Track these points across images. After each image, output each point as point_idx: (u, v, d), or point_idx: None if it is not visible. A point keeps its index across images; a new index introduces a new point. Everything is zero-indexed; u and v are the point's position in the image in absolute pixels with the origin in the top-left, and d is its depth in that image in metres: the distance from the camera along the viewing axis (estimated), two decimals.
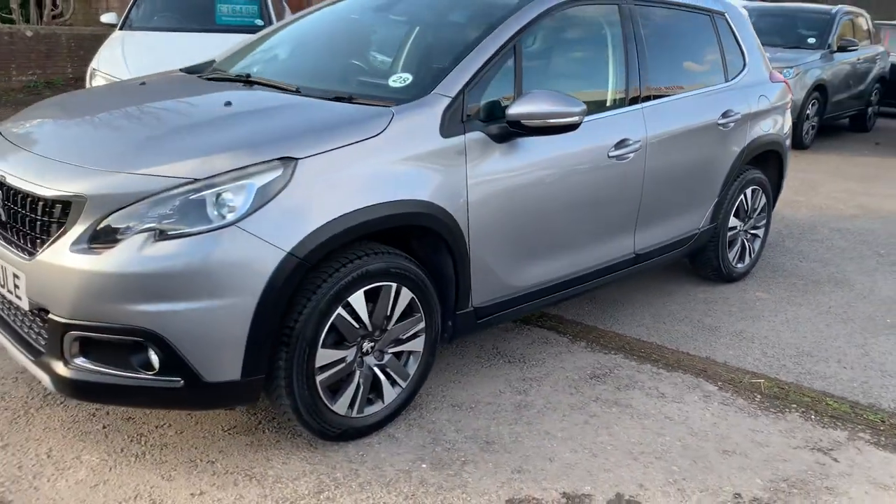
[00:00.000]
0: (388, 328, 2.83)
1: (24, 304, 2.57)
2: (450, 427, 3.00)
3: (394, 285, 2.77)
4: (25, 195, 2.57)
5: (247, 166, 2.47)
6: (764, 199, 4.91)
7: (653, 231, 4.00)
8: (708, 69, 4.39)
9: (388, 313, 2.80)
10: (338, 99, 2.99)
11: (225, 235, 2.39)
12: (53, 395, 3.05)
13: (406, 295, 2.83)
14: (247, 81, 3.33)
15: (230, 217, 2.41)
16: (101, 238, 2.42)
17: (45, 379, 2.56)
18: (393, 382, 2.92)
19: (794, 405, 3.37)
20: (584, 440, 2.97)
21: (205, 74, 3.58)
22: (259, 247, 2.42)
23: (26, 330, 2.69)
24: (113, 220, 2.41)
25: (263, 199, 2.44)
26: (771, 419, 3.23)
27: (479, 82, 3.03)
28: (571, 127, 3.07)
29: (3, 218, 2.68)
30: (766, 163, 4.87)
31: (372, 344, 2.82)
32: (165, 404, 2.66)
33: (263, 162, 2.49)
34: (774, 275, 5.09)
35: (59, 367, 2.51)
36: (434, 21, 3.72)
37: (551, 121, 3.01)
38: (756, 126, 4.60)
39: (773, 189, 5.04)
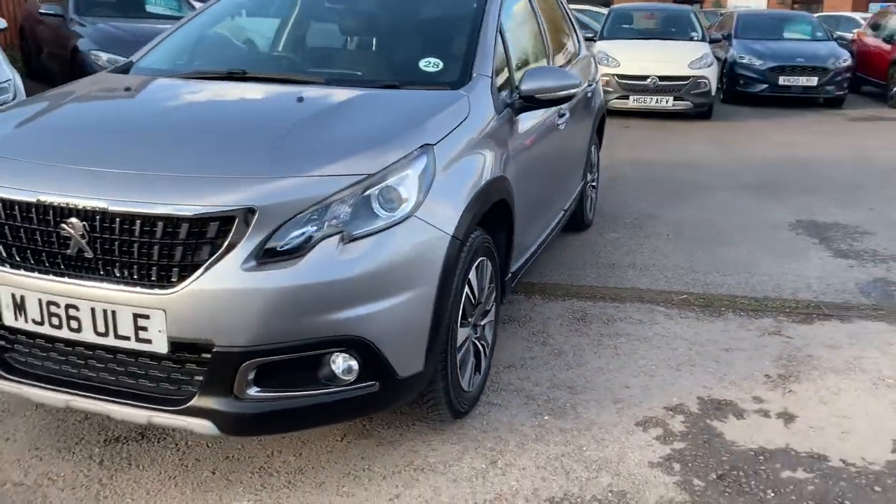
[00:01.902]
0: (482, 300, 2.97)
1: (160, 347, 2.24)
2: (527, 385, 3.23)
3: (487, 259, 2.92)
4: (146, 220, 2.21)
5: (404, 157, 2.43)
6: (596, 155, 5.75)
7: (568, 190, 4.55)
8: (571, 41, 5.04)
9: (484, 286, 2.94)
10: (389, 87, 2.99)
11: (407, 227, 2.36)
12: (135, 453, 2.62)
13: (488, 267, 2.98)
14: (246, 78, 3.11)
15: (405, 208, 2.37)
16: (279, 251, 2.22)
17: (201, 426, 2.27)
18: (485, 353, 3.06)
19: (723, 309, 4.18)
20: (630, 366, 3.42)
21: (180, 74, 3.22)
22: (432, 234, 2.44)
23: (150, 381, 2.31)
24: (289, 230, 2.22)
25: (425, 186, 2.45)
26: (723, 322, 3.99)
27: (495, 61, 3.25)
28: (570, 98, 3.44)
29: (93, 254, 2.25)
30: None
31: (478, 318, 2.94)
32: (355, 413, 2.51)
33: (416, 150, 2.47)
34: (604, 219, 5.97)
35: (229, 405, 2.25)
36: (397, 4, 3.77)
37: (560, 93, 3.35)
38: (596, 96, 5.38)
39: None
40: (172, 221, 2.19)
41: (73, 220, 2.25)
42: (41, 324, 2.34)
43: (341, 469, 2.62)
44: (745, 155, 8.83)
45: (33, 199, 2.29)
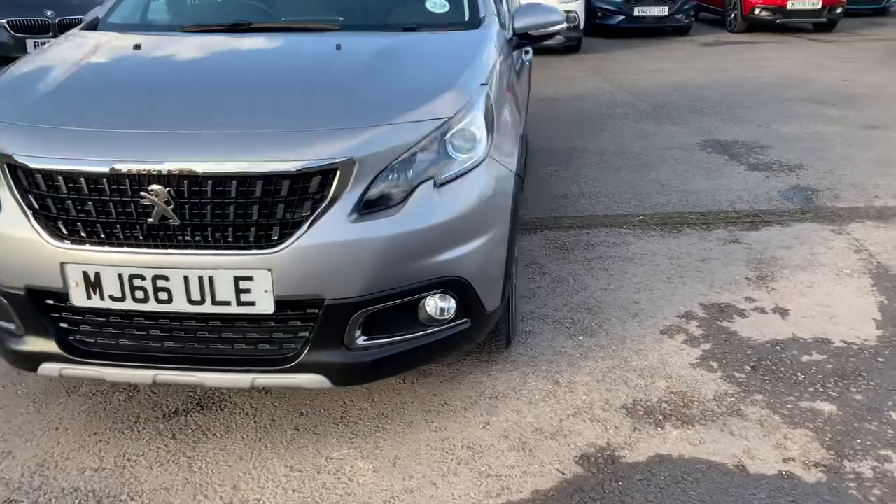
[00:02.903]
0: None
1: (265, 308, 2.21)
2: (547, 311, 3.42)
3: None
4: (243, 179, 2.14)
5: (470, 98, 2.48)
6: None
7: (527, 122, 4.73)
8: None
9: None
10: (408, 30, 2.99)
11: (485, 167, 2.43)
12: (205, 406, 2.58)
13: None
14: (253, 29, 3.01)
15: (479, 149, 2.44)
16: (380, 199, 2.23)
17: (311, 381, 2.29)
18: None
19: (679, 225, 4.54)
20: (629, 284, 3.69)
21: (177, 27, 3.04)
22: (503, 172, 2.52)
23: (247, 344, 2.28)
24: (386, 179, 2.24)
25: (490, 126, 2.52)
26: (686, 237, 4.35)
27: None
28: (557, 33, 3.58)
29: (180, 220, 2.17)
30: None
31: None
32: (451, 350, 2.57)
33: (476, 90, 2.52)
34: (538, 154, 6.20)
35: (340, 356, 2.28)
36: None
37: (550, 29, 3.48)
38: None
39: None
40: (272, 179, 2.14)
41: (156, 186, 2.14)
42: (121, 299, 2.23)
43: (420, 407, 2.70)
44: (626, 83, 9.34)
45: (105, 169, 2.15)
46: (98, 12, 3.34)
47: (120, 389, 2.81)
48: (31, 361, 2.38)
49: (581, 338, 3.18)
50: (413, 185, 2.27)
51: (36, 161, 2.20)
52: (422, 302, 2.35)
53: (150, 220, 2.17)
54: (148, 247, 2.20)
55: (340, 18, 3.11)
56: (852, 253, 4.03)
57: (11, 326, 2.39)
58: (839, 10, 14.55)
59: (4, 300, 2.34)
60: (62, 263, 2.22)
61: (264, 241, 2.18)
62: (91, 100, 2.44)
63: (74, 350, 2.34)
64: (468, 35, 2.97)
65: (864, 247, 4.11)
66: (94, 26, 3.20)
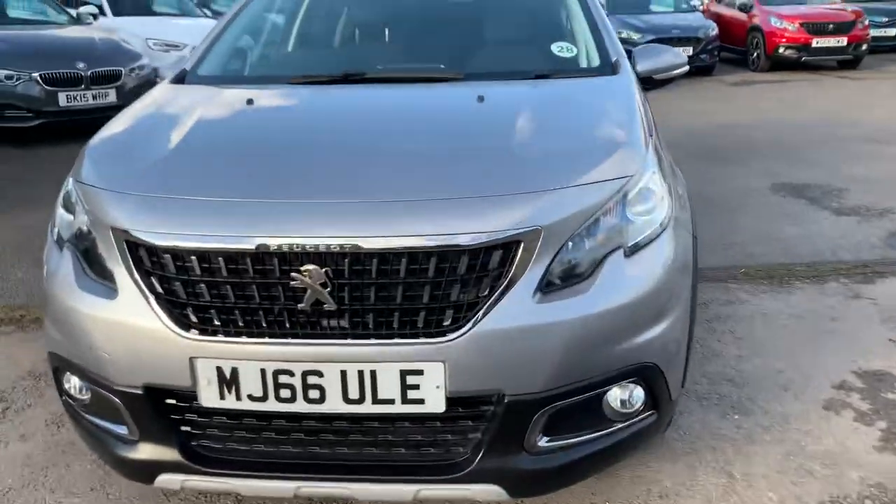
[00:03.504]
0: None
1: (435, 406, 1.86)
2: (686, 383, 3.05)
3: None
4: (415, 255, 1.80)
5: (645, 153, 2.16)
6: None
7: None
8: None
9: None
10: (540, 77, 2.69)
11: (671, 231, 2.10)
12: None
13: None
14: (367, 79, 2.70)
15: (663, 211, 2.11)
16: (566, 275, 1.89)
17: (486, 492, 1.93)
18: None
19: (786, 278, 4.19)
20: (764, 349, 3.34)
21: (282, 79, 2.73)
22: (684, 234, 2.20)
23: (407, 448, 1.92)
24: (573, 250, 1.90)
25: (665, 184, 2.19)
26: (801, 292, 4.00)
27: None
28: (676, 78, 3.28)
29: (337, 305, 1.82)
30: None
31: None
32: (635, 449, 2.20)
33: (646, 144, 2.20)
34: None
35: (521, 462, 1.92)
36: None
37: (673, 73, 3.18)
38: None
39: None
40: (447, 255, 1.80)
41: (310, 266, 1.80)
42: (262, 399, 1.88)
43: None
44: (672, 124, 9.06)
45: (250, 247, 1.81)
46: (183, 64, 3.03)
47: (235, 498, 2.43)
48: (147, 472, 2.01)
49: (737, 417, 2.80)
50: (601, 255, 1.93)
51: (163, 238, 1.87)
52: (607, 394, 2.00)
53: (302, 305, 1.83)
54: (297, 336, 1.85)
55: (460, 66, 2.80)
56: None
57: (122, 431, 2.03)
58: (864, 46, 14.43)
59: (117, 400, 1.98)
60: (192, 358, 1.87)
61: (436, 327, 1.83)
62: (219, 164, 2.12)
63: (200, 458, 1.97)
64: (611, 82, 2.66)
65: None
66: (182, 79, 2.89)
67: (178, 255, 1.86)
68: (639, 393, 2.03)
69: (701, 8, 17.70)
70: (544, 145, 2.11)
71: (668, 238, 2.06)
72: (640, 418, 2.06)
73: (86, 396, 2.12)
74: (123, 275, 1.92)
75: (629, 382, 2.00)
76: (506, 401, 1.85)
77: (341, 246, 1.78)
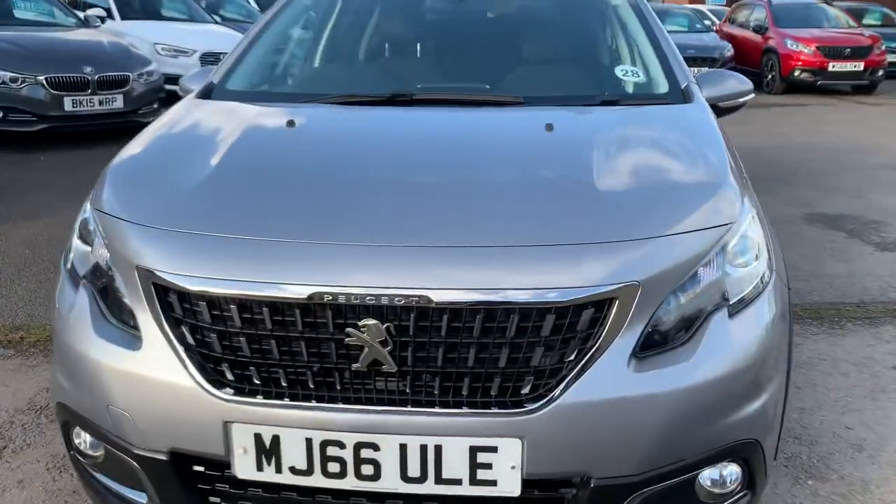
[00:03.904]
0: None
1: (510, 488, 1.60)
2: None
3: None
4: (493, 312, 1.55)
5: (740, 196, 1.91)
6: None
7: None
8: None
9: None
10: (606, 103, 2.43)
11: (773, 285, 1.84)
12: None
13: None
14: (414, 101, 2.43)
15: (763, 261, 1.85)
16: (664, 338, 1.64)
17: None
18: None
19: (836, 319, 3.94)
20: (827, 401, 3.08)
21: (322, 97, 2.46)
22: (783, 289, 1.93)
23: None
24: (672, 308, 1.65)
25: (762, 231, 1.94)
26: (855, 335, 3.74)
27: None
28: (743, 105, 3.03)
29: (398, 366, 1.56)
30: None
31: None
32: None
33: (738, 185, 1.95)
34: None
35: None
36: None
37: (740, 100, 2.93)
38: None
39: None
40: (529, 312, 1.54)
41: (369, 321, 1.54)
42: (306, 472, 1.61)
43: None
44: None
45: (301, 296, 1.55)
46: (206, 76, 2.78)
47: None
48: None
49: (811, 483, 2.54)
50: (703, 316, 1.67)
51: (198, 282, 1.61)
52: (700, 474, 1.73)
53: (357, 365, 1.57)
54: (350, 402, 1.59)
55: (515, 89, 2.53)
56: None
57: (141, 499, 1.76)
58: (881, 72, 14.26)
59: (136, 465, 1.71)
60: (226, 422, 1.60)
61: (513, 397, 1.57)
62: (263, 197, 1.84)
63: None
64: (685, 111, 2.41)
65: None
66: (209, 93, 2.63)
67: (214, 302, 1.60)
68: (734, 471, 1.77)
69: (714, 28, 17.56)
70: (631, 186, 1.86)
71: (771, 293, 1.81)
72: (734, 499, 1.79)
73: (99, 454, 1.85)
74: (149, 322, 1.66)
75: (727, 461, 1.73)
76: (592, 485, 1.59)
77: (407, 298, 1.52)
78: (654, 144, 2.15)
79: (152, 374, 1.64)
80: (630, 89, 2.63)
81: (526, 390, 1.57)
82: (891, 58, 14.88)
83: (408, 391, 1.58)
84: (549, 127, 2.16)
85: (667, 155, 2.09)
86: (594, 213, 1.73)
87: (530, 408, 1.55)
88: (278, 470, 1.62)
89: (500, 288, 1.54)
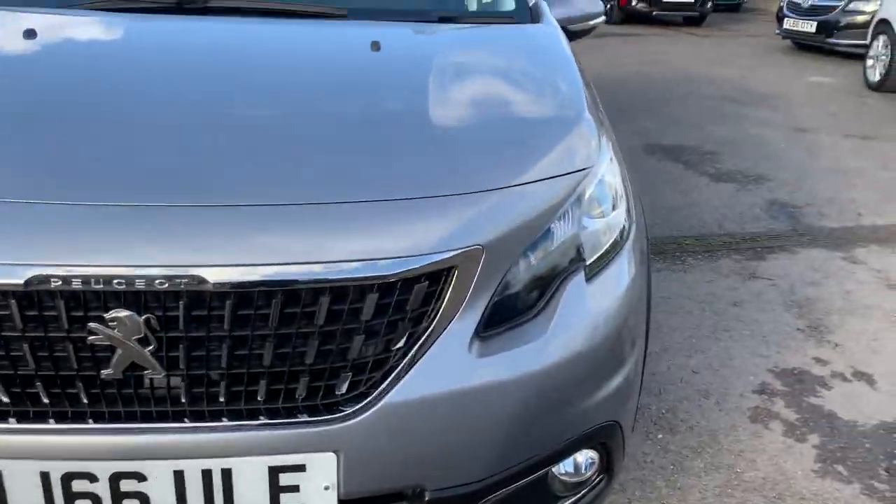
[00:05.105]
0: None
1: None
2: None
3: None
4: (293, 294, 1.16)
5: (596, 136, 1.61)
6: None
7: None
8: None
9: None
10: (444, 20, 2.05)
11: (633, 241, 1.58)
12: None
13: None
14: (208, 9, 1.93)
15: (622, 212, 1.58)
16: (511, 311, 1.33)
17: None
18: None
19: (678, 254, 3.89)
20: (674, 343, 2.98)
21: (91, 3, 1.88)
22: (643, 246, 1.68)
23: None
24: (522, 273, 1.34)
25: (620, 175, 1.67)
26: (696, 271, 3.70)
27: None
28: (593, 29, 2.76)
29: (165, 371, 1.17)
30: None
31: None
32: None
33: (592, 121, 1.65)
34: None
35: None
36: None
37: (590, 23, 2.66)
38: None
39: None
40: (343, 290, 1.17)
41: (121, 312, 1.11)
42: None
43: None
44: None
45: (14, 281, 1.10)
46: None
47: None
48: None
49: (661, 436, 2.40)
50: (556, 281, 1.37)
51: None
52: (559, 466, 1.47)
53: (108, 372, 1.15)
54: (102, 420, 1.17)
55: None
56: (885, 289, 3.54)
57: None
58: (709, 4, 14.76)
59: None
60: None
61: (324, 399, 1.21)
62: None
63: None
64: (535, 32, 2.07)
65: (891, 279, 3.64)
66: None
67: None
68: (591, 456, 1.52)
69: None
70: (470, 124, 1.51)
71: (631, 248, 1.54)
72: (591, 487, 1.55)
73: None
74: None
75: (588, 448, 1.48)
76: (427, 499, 1.28)
77: (173, 280, 1.11)
78: (499, 72, 1.80)
79: None
80: (473, 6, 2.26)
81: (342, 390, 1.22)
82: None
83: (183, 401, 1.18)
84: (376, 45, 1.75)
85: (513, 85, 1.75)
86: (425, 159, 1.36)
87: (348, 412, 1.21)
88: None
89: (304, 262, 1.15)
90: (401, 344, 1.23)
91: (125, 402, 1.18)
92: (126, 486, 1.18)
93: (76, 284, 1.10)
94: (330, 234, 1.18)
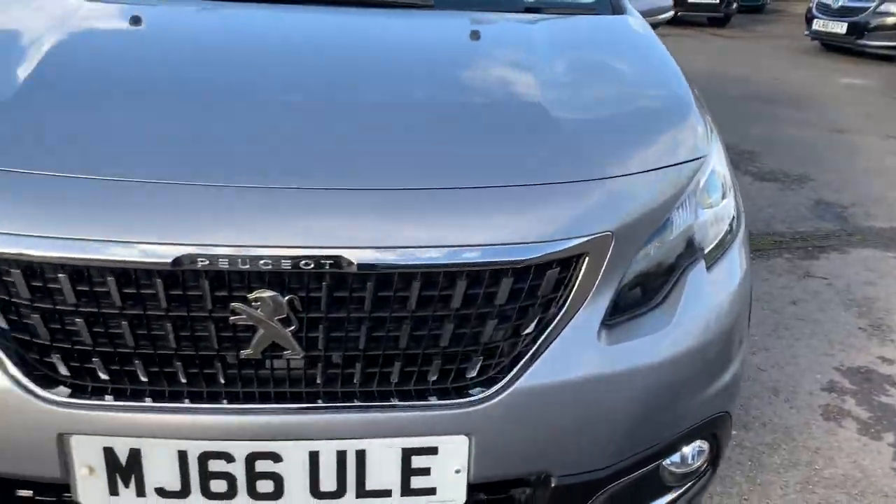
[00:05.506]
0: None
1: (452, 496, 1.26)
2: None
3: None
4: (431, 276, 1.16)
5: (702, 123, 1.61)
6: None
7: None
8: None
9: None
10: (530, 10, 2.05)
11: (743, 229, 1.58)
12: None
13: None
14: None
15: (731, 200, 1.58)
16: (637, 300, 1.32)
17: None
18: None
19: None
20: None
21: None
22: (746, 232, 1.67)
23: None
24: (648, 260, 1.33)
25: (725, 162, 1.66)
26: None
27: None
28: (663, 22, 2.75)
29: (304, 351, 1.17)
30: None
31: None
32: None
33: (699, 109, 1.65)
34: None
35: None
36: None
37: (660, 17, 2.65)
38: None
39: None
40: (485, 274, 1.17)
41: (264, 293, 1.12)
42: (181, 495, 1.20)
43: None
44: None
45: (161, 260, 1.10)
46: None
47: None
48: None
49: (734, 432, 2.37)
50: (678, 269, 1.37)
51: (8, 242, 1.11)
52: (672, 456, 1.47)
53: (248, 352, 1.15)
54: (239, 400, 1.17)
55: None
56: None
57: None
58: (734, 5, 14.69)
59: None
60: (61, 435, 1.15)
61: (455, 383, 1.21)
62: (101, 120, 1.31)
63: None
64: (627, 24, 2.06)
65: None
66: None
67: (34, 269, 1.12)
68: (699, 448, 1.51)
69: None
70: (588, 113, 1.49)
71: (741, 243, 1.54)
72: (699, 479, 1.55)
73: None
74: None
75: (702, 438, 1.48)
76: (553, 485, 1.27)
77: (318, 261, 1.11)
78: (604, 62, 1.79)
79: None
80: None
81: (472, 374, 1.21)
82: None
83: (318, 382, 1.18)
84: (475, 34, 1.75)
85: (620, 74, 1.75)
86: (553, 145, 1.35)
87: (479, 396, 1.20)
88: (140, 493, 1.19)
89: (444, 245, 1.15)
90: (530, 329, 1.22)
91: (260, 382, 1.18)
92: (261, 466, 1.18)
93: (222, 264, 1.10)
94: (470, 218, 1.18)
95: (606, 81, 1.67)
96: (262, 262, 1.10)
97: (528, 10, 2.05)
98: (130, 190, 1.14)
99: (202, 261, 1.10)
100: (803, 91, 8.41)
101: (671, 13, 2.69)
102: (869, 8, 10.39)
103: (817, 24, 11.19)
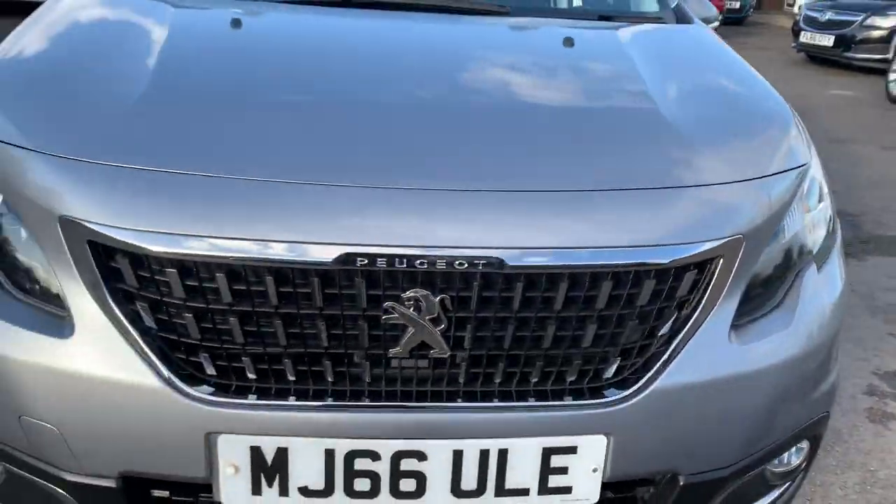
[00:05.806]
0: None
1: (586, 494, 1.28)
2: None
3: None
4: (577, 277, 1.18)
5: (798, 128, 1.65)
6: None
7: None
8: None
9: None
10: (603, 18, 2.09)
11: (839, 241, 1.62)
12: None
13: None
14: (375, 3, 1.95)
15: (828, 207, 1.62)
16: (759, 300, 1.36)
17: None
18: None
19: None
20: None
21: None
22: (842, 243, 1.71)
23: None
24: (769, 263, 1.37)
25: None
26: None
27: None
28: None
29: (451, 349, 1.18)
30: None
31: None
32: None
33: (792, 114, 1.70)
34: None
35: None
36: None
37: (710, 26, 2.69)
38: None
39: None
40: (628, 275, 1.20)
41: (418, 292, 1.13)
42: (324, 493, 1.21)
43: None
44: None
45: (323, 258, 1.11)
46: None
47: None
48: None
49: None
50: (794, 271, 1.41)
51: (163, 241, 1.12)
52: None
53: (397, 350, 1.16)
54: (386, 399, 1.18)
55: None
56: None
57: None
58: (721, 17, 14.87)
59: (68, 496, 1.22)
60: (209, 434, 1.15)
61: (591, 383, 1.23)
62: (239, 120, 1.31)
63: None
64: (701, 34, 2.09)
65: None
66: None
67: (190, 268, 1.12)
68: (801, 447, 1.55)
69: None
70: (702, 118, 1.51)
71: (840, 246, 1.58)
72: (796, 479, 1.58)
73: None
74: (83, 297, 1.15)
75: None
76: (681, 483, 1.30)
77: (472, 262, 1.12)
78: (701, 72, 1.82)
79: (92, 371, 1.15)
80: (618, 7, 2.28)
81: (609, 374, 1.23)
82: (729, 4, 15.58)
83: (460, 381, 1.20)
84: (569, 42, 1.77)
85: (720, 84, 1.78)
86: (677, 149, 1.39)
87: (617, 396, 1.22)
88: (283, 492, 1.20)
89: (591, 246, 1.17)
90: (664, 330, 1.25)
91: (406, 382, 1.19)
92: (406, 465, 1.19)
93: (381, 264, 1.11)
94: (615, 220, 1.21)
95: (709, 91, 1.71)
96: (418, 262, 1.12)
97: (602, 18, 2.08)
98: (292, 191, 1.15)
99: (361, 260, 1.11)
100: (795, 102, 8.48)
101: (716, 24, 2.74)
102: (856, 21, 10.61)
103: (804, 37, 11.40)
